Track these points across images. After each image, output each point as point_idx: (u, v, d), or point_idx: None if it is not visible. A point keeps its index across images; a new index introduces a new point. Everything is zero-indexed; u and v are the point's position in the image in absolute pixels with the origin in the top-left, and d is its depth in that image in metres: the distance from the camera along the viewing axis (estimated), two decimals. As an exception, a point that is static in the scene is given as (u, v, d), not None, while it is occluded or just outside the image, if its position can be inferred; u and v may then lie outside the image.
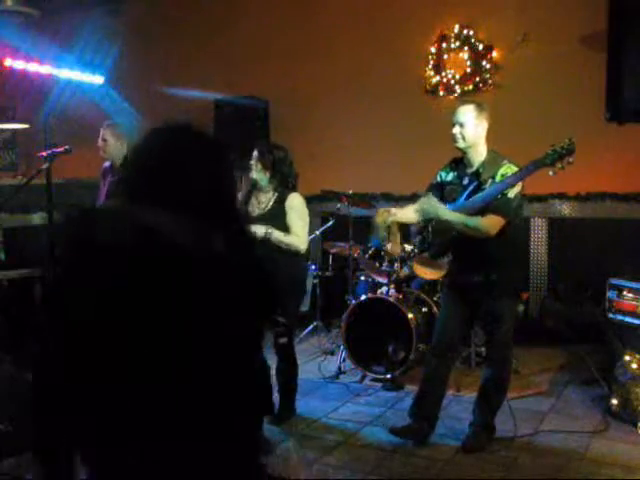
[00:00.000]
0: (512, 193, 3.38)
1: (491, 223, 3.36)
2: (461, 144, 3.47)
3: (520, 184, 3.41)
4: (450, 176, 3.64)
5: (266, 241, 3.76)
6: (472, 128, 3.44)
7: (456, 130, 3.46)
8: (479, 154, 3.51)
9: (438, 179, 3.71)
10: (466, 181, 3.54)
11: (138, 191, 1.48)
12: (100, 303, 1.34)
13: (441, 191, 3.67)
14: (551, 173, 3.30)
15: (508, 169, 3.40)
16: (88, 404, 1.38)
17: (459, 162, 3.62)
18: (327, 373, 4.98)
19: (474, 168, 3.51)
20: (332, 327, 6.01)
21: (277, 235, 3.79)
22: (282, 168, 3.90)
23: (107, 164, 4.72)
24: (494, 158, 3.48)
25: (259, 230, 3.73)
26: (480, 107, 3.50)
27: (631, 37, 5.19)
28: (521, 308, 5.94)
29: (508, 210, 3.39)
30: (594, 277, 4.98)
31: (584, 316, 5.41)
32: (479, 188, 3.44)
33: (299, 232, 3.88)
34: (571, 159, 3.26)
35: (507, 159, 3.48)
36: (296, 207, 3.91)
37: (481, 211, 3.39)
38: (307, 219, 3.97)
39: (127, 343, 1.35)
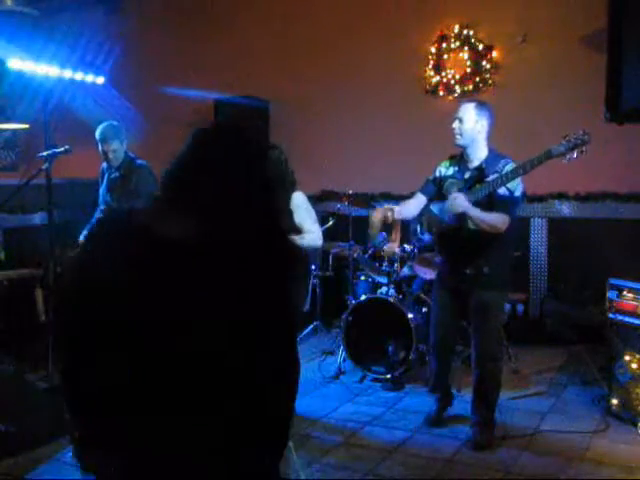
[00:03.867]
0: (519, 192, 3.48)
1: (503, 221, 3.47)
2: (459, 140, 3.57)
3: (523, 185, 3.50)
4: (451, 170, 3.71)
5: None
6: (470, 124, 3.52)
7: (455, 125, 3.55)
8: (479, 151, 3.58)
9: (437, 174, 3.78)
10: (467, 175, 3.61)
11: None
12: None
13: (438, 186, 3.74)
14: (565, 161, 3.33)
15: (513, 164, 3.47)
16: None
17: (459, 158, 3.69)
18: (327, 373, 4.98)
19: (476, 164, 3.58)
20: (332, 327, 6.01)
21: (295, 239, 3.81)
22: (278, 167, 3.92)
23: (105, 163, 4.72)
24: (495, 155, 3.56)
25: None
26: (481, 105, 3.58)
27: (631, 37, 5.18)
28: (520, 308, 5.99)
29: (515, 209, 3.54)
30: (594, 277, 4.97)
31: (584, 316, 5.41)
32: (482, 181, 3.50)
33: (312, 229, 3.93)
34: (584, 149, 3.30)
35: (508, 157, 3.54)
36: (302, 205, 3.95)
37: (487, 203, 3.46)
38: (314, 214, 4.03)
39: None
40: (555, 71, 5.80)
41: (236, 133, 1.50)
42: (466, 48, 6.18)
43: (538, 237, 6.10)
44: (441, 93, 6.29)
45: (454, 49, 6.24)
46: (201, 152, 1.46)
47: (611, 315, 4.12)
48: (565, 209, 5.98)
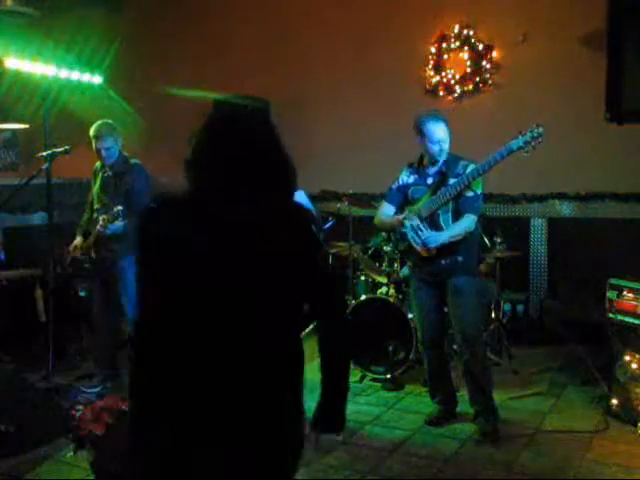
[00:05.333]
0: (479, 190, 3.74)
1: (472, 220, 3.75)
2: (443, 157, 3.77)
3: (482, 182, 3.75)
4: (412, 178, 3.92)
5: None
6: (448, 141, 3.76)
7: (437, 148, 3.72)
8: (441, 157, 3.82)
9: (400, 182, 3.98)
10: (430, 180, 3.83)
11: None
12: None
13: (404, 193, 3.95)
14: (525, 154, 3.63)
15: (472, 163, 3.71)
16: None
17: (418, 164, 3.92)
18: (327, 373, 4.97)
19: (437, 168, 3.81)
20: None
21: None
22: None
23: (99, 163, 4.73)
24: (454, 158, 3.79)
25: None
26: (446, 120, 3.82)
27: (631, 37, 5.18)
28: (520, 308, 5.98)
29: (480, 207, 3.80)
30: (594, 277, 4.97)
31: (584, 316, 5.41)
32: (444, 184, 3.75)
33: None
34: (540, 139, 3.59)
35: (465, 159, 3.77)
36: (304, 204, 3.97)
37: (452, 203, 3.73)
38: (315, 213, 4.04)
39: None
40: (555, 71, 5.80)
41: (247, 119, 1.86)
42: (466, 48, 6.18)
43: (538, 237, 6.09)
44: (441, 93, 6.29)
45: (454, 49, 6.24)
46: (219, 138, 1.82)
47: (611, 315, 4.11)
48: (565, 209, 5.98)
